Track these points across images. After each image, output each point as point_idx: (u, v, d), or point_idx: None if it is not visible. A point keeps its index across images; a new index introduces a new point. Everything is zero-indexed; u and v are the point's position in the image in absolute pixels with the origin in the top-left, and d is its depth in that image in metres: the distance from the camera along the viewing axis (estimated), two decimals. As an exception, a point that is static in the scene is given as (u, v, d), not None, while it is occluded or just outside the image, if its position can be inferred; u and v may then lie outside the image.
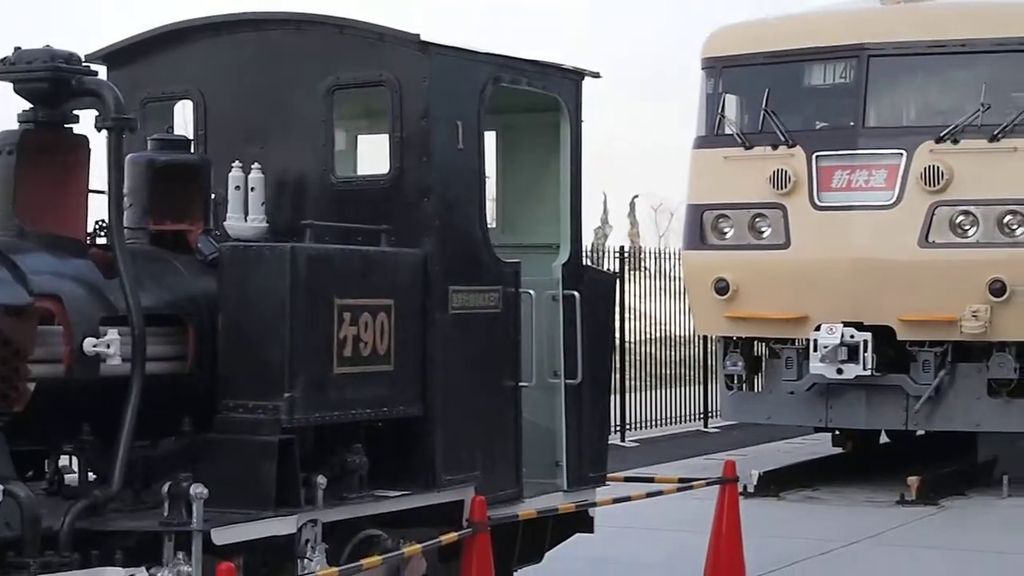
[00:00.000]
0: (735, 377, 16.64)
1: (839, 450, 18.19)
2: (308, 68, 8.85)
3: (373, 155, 9.74)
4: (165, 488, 7.09)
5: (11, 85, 7.46)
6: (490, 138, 9.96)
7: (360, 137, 10.21)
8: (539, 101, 9.87)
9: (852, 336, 15.42)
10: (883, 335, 15.57)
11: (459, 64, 8.93)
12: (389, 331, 8.28)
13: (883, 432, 18.28)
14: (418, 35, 8.68)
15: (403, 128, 8.66)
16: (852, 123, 16.01)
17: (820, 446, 18.79)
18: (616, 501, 10.24)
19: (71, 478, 7.72)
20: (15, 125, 7.54)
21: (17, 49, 7.45)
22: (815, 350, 15.49)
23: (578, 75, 10.00)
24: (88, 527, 6.87)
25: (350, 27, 8.85)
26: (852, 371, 15.45)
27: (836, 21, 16.66)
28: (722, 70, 16.51)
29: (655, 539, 12.82)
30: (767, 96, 16.09)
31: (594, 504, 9.97)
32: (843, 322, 15.46)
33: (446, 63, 8.79)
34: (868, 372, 15.47)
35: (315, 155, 8.85)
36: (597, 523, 10.24)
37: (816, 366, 15.56)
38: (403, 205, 8.66)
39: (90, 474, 7.37)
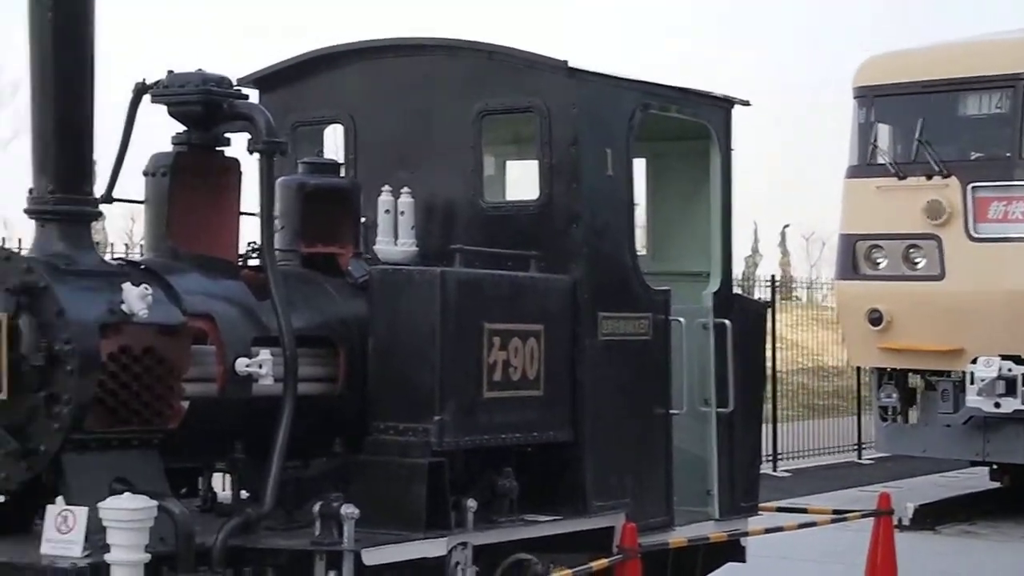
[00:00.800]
0: (889, 409, 16.42)
1: (996, 484, 17.85)
2: (458, 94, 8.91)
3: (522, 181, 9.76)
4: (316, 508, 7.11)
5: (165, 108, 7.57)
6: (639, 165, 9.96)
7: (508, 163, 10.25)
8: (688, 129, 9.88)
9: (1010, 369, 15.18)
10: (1041, 369, 15.30)
11: (607, 91, 8.94)
12: (539, 356, 8.29)
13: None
14: (566, 62, 8.70)
15: (552, 154, 8.69)
16: (1008, 154, 15.76)
17: (977, 480, 18.46)
18: (768, 531, 10.18)
19: (224, 496, 7.82)
20: (168, 148, 7.65)
21: (170, 72, 7.56)
22: (972, 383, 15.26)
23: (728, 103, 9.99)
24: (241, 544, 6.91)
25: (499, 53, 8.90)
26: (1010, 405, 15.20)
27: (991, 50, 16.42)
28: (874, 99, 16.34)
29: (808, 571, 12.68)
30: (921, 126, 15.88)
31: (746, 534, 9.90)
32: (1000, 355, 15.22)
33: (595, 90, 8.81)
34: (1026, 406, 15.19)
35: (464, 180, 8.88)
36: (749, 553, 10.18)
37: (973, 399, 15.32)
38: (552, 231, 8.67)
39: (243, 492, 7.45)
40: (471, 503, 7.80)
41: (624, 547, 8.47)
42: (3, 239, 10.85)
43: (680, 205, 10.44)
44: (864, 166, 16.31)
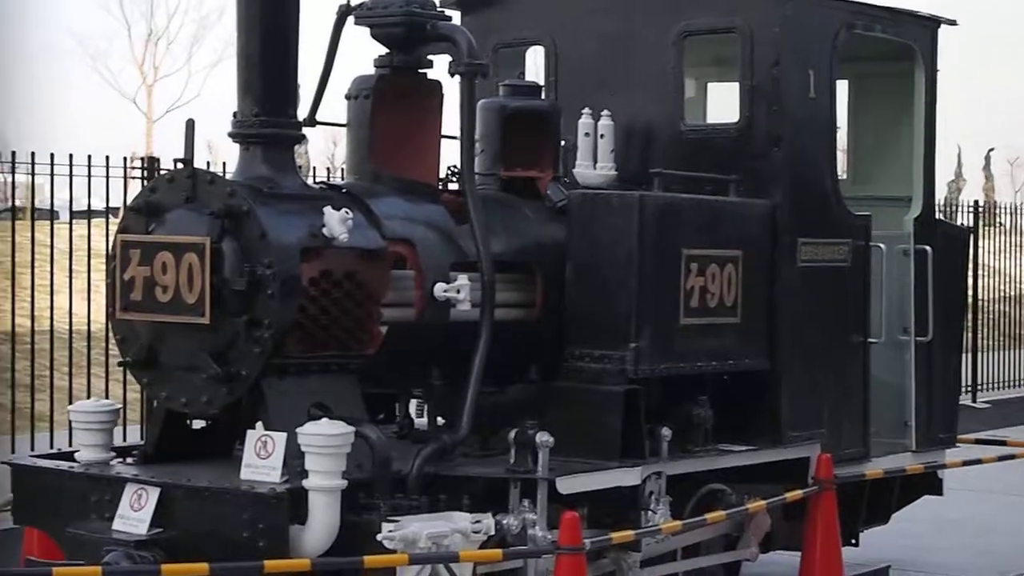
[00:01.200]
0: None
1: None
2: (659, 15, 8.81)
3: (723, 103, 9.64)
4: (512, 435, 7.10)
5: (368, 30, 7.55)
6: (842, 87, 9.77)
7: (710, 85, 10.14)
8: (893, 49, 9.71)
9: None
10: None
11: (811, 11, 8.80)
12: (736, 283, 8.22)
13: None
14: (772, -21, 8.55)
15: (754, 76, 8.58)
16: None
17: None
18: (966, 464, 10.09)
19: (420, 422, 7.86)
20: (371, 70, 7.64)
21: (374, -7, 7.55)
22: None
23: (934, 22, 9.81)
24: (436, 472, 6.93)
25: (703, -27, 8.77)
26: None
27: None
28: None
29: (1006, 505, 12.50)
30: None
31: (943, 466, 9.81)
32: None
33: (798, 9, 8.67)
34: None
35: (664, 103, 8.80)
36: (946, 486, 10.07)
37: None
38: (752, 155, 8.58)
39: (438, 419, 7.49)
40: (666, 432, 7.75)
41: (819, 478, 8.44)
42: (208, 162, 10.94)
43: (882, 128, 10.31)
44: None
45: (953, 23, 9.91)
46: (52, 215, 15.98)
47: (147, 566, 6.25)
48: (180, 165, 6.96)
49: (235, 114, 7.01)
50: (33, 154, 11.64)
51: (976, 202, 21.44)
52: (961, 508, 11.61)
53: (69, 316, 12.16)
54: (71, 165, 11.68)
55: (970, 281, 14.28)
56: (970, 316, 18.78)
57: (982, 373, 20.73)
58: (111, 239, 7.10)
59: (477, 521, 6.69)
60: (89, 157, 11.79)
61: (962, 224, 18.53)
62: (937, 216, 10.55)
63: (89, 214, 12.85)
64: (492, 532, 6.78)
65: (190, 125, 6.94)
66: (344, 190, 7.39)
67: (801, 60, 8.64)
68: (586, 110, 8.52)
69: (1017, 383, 21.88)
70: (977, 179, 62.19)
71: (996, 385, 21.33)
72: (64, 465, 7.07)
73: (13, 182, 12.06)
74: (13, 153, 11.62)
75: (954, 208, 22.17)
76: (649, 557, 7.84)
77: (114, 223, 7.77)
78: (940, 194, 15.86)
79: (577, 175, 8.40)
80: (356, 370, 7.02)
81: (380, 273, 7.04)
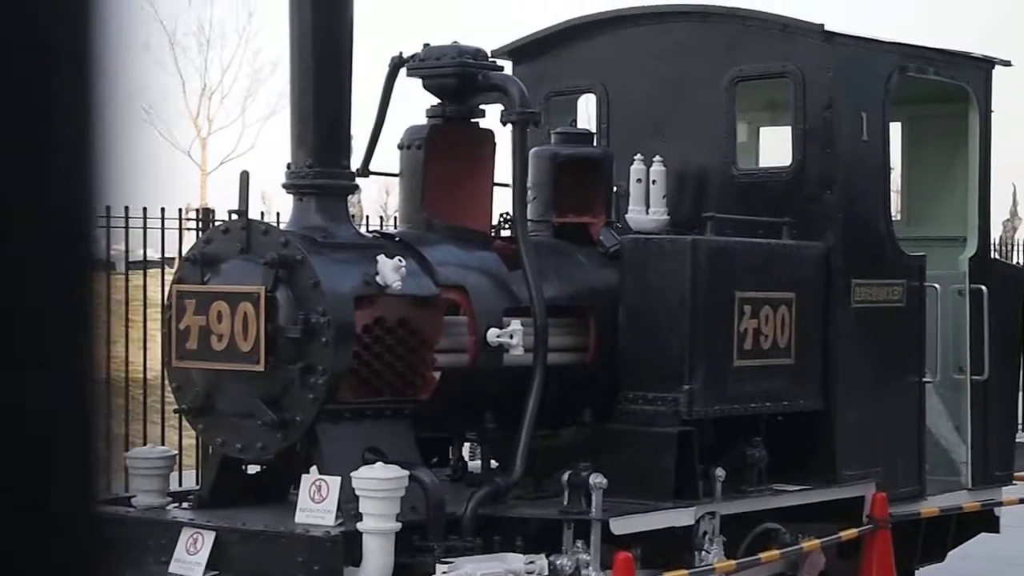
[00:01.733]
0: None
1: None
2: (711, 60, 8.81)
3: (775, 147, 9.63)
4: (565, 477, 7.08)
5: (420, 81, 7.59)
6: (895, 129, 9.76)
7: (762, 129, 10.16)
8: (946, 91, 9.67)
9: None
10: None
11: (863, 54, 8.79)
12: (790, 324, 8.17)
13: None
14: (822, 25, 8.57)
15: (806, 119, 8.56)
16: None
17: None
18: (1023, 501, 9.90)
19: (474, 465, 7.88)
20: (423, 120, 7.67)
21: (426, 46, 7.60)
22: None
23: (988, 63, 9.78)
24: (490, 513, 6.93)
25: (754, 18, 8.83)
26: None
27: None
28: None
29: (1064, 542, 12.25)
30: None
31: (1000, 503, 9.75)
32: None
33: (850, 53, 8.66)
34: None
35: (717, 147, 8.79)
36: (1003, 523, 10.00)
37: None
38: (805, 197, 8.55)
39: (492, 462, 7.49)
40: (720, 472, 7.69)
41: (874, 517, 8.40)
42: (262, 213, 11.01)
43: (936, 169, 10.29)
44: None
45: (1008, 64, 9.85)
46: (108, 266, 16.11)
47: (204, 609, 6.31)
48: (234, 216, 7.02)
49: (289, 165, 7.06)
50: (89, 208, 11.74)
51: (1033, 241, 21.27)
52: (1019, 546, 11.45)
53: (126, 364, 12.25)
54: (127, 217, 11.76)
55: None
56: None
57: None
58: (167, 289, 7.19)
59: (531, 562, 6.69)
60: (145, 209, 11.89)
61: (1018, 263, 18.37)
62: (992, 255, 10.46)
63: (145, 265, 12.95)
64: (546, 572, 6.77)
65: (244, 177, 6.98)
66: (397, 238, 7.42)
67: (853, 103, 8.61)
68: (638, 156, 8.48)
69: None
70: (1034, 219, 61.76)
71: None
72: (121, 510, 7.08)
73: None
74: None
75: (1010, 247, 21.98)
76: (703, 597, 7.82)
77: (169, 273, 7.82)
78: (995, 233, 15.70)
79: (630, 220, 8.36)
80: (410, 415, 7.03)
81: (433, 319, 7.07)
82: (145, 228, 11.78)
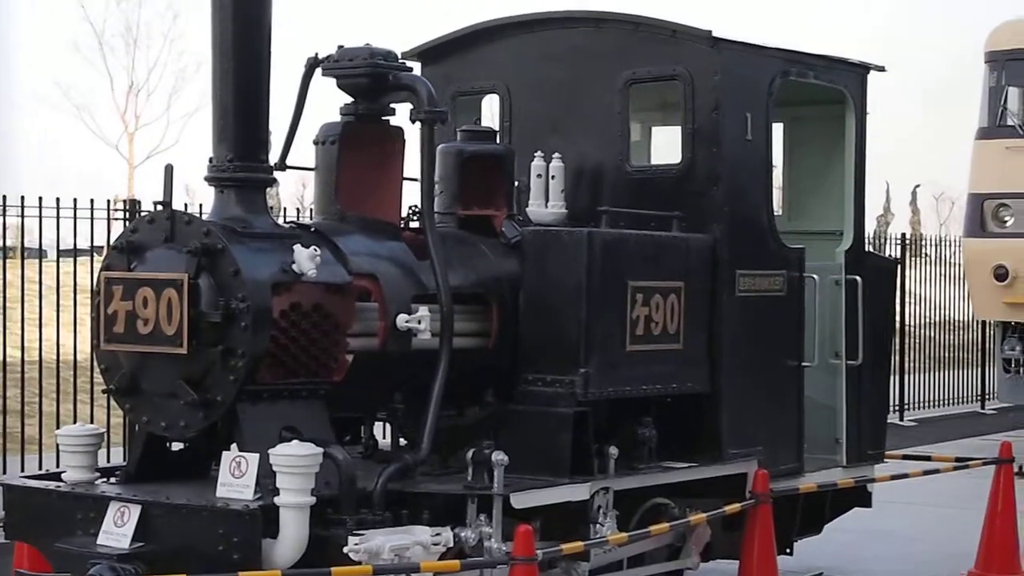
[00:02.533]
0: (1012, 361, 16.07)
1: (1116, 433, 17.51)
2: (605, 63, 8.80)
3: (666, 145, 9.68)
4: (469, 455, 7.15)
5: (335, 81, 7.60)
6: (777, 129, 9.81)
7: (654, 128, 10.16)
8: (825, 94, 9.70)
9: None
10: None
11: (748, 59, 8.82)
12: (679, 311, 8.22)
13: None
14: (710, 31, 8.59)
15: (695, 120, 8.59)
16: None
17: (1097, 430, 18.11)
18: (894, 478, 10.05)
19: (384, 443, 7.86)
20: (337, 118, 7.68)
21: (340, 47, 7.59)
22: (1093, 336, 14.92)
23: (864, 69, 9.82)
24: (399, 488, 6.95)
25: (645, 24, 8.79)
26: None
27: (1120, 14, 15.97)
28: (1005, 63, 15.93)
29: (931, 515, 12.52)
30: (1051, 88, 15.51)
31: (872, 480, 9.80)
32: (1121, 310, 14.87)
33: (736, 58, 8.69)
34: None
35: (611, 145, 8.81)
36: (875, 498, 10.09)
37: (1094, 352, 15.00)
38: (693, 193, 8.58)
39: (401, 440, 7.47)
40: (613, 450, 7.79)
41: (756, 492, 8.44)
42: (185, 204, 11.00)
43: (815, 167, 10.31)
44: (994, 128, 15.93)
45: (882, 69, 9.89)
46: (41, 254, 15.99)
47: (130, 578, 6.29)
48: (160, 207, 7.01)
49: (211, 160, 7.03)
50: (23, 197, 11.72)
51: (903, 235, 21.58)
52: (889, 519, 11.60)
53: (57, 347, 12.17)
54: (58, 208, 11.73)
55: (897, 308, 14.33)
56: (897, 341, 18.81)
57: (909, 393, 20.80)
58: (96, 276, 7.13)
59: (437, 534, 6.76)
60: (75, 200, 11.84)
61: (890, 255, 18.64)
62: (867, 248, 10.52)
63: (75, 253, 12.86)
64: (451, 544, 6.84)
65: (169, 170, 6.98)
66: (312, 229, 7.39)
67: (739, 105, 8.66)
68: (538, 153, 8.54)
69: (942, 403, 21.94)
70: (904, 213, 62.44)
71: (922, 404, 21.38)
72: (52, 485, 7.06)
73: (4, 224, 12.05)
74: (4, 197, 11.67)
75: (883, 241, 22.30)
76: (597, 567, 7.85)
77: (98, 261, 7.79)
78: (869, 228, 15.91)
79: (530, 213, 8.42)
80: (324, 395, 7.02)
81: (346, 305, 7.07)
82: (75, 218, 11.73)
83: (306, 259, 6.81)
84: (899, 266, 15.56)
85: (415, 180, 7.61)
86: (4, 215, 11.75)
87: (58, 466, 7.40)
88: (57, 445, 7.47)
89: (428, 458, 7.21)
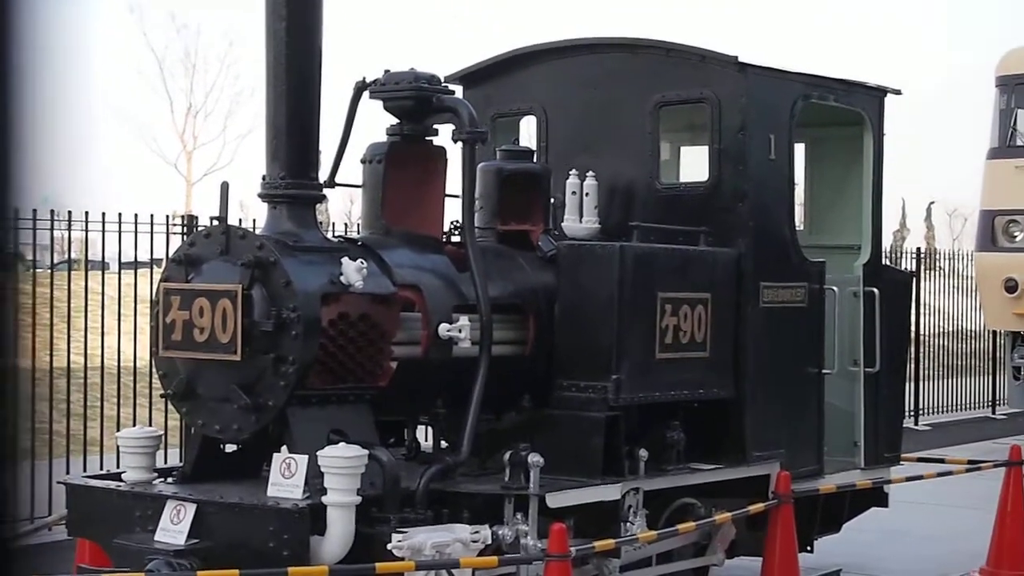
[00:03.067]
0: (1022, 369, 15.96)
1: (1120, 437, 17.32)
2: (637, 87, 8.80)
3: (694, 164, 9.65)
4: (506, 456, 7.12)
5: (381, 103, 7.59)
6: (799, 149, 9.79)
7: (683, 148, 10.13)
8: (845, 115, 9.67)
9: None
10: None
11: (772, 83, 8.79)
12: (706, 321, 8.19)
13: None
14: (736, 57, 8.57)
15: (721, 140, 8.57)
16: None
17: (1103, 434, 17.94)
18: (909, 479, 10.00)
19: (426, 446, 7.85)
20: (383, 138, 7.68)
21: (387, 72, 7.59)
22: (1097, 345, 14.80)
23: (881, 92, 9.79)
24: (440, 488, 6.94)
25: (676, 50, 8.79)
26: None
27: (1124, 41, 15.85)
28: (1015, 87, 15.83)
29: (944, 515, 12.43)
30: (1058, 110, 15.40)
31: (889, 481, 9.75)
32: (1125, 320, 14.74)
33: (761, 82, 8.66)
34: None
35: (642, 164, 8.79)
36: (891, 499, 10.04)
37: (1099, 360, 14.88)
38: (720, 209, 8.56)
39: (442, 443, 7.47)
40: (643, 453, 7.76)
41: (778, 493, 8.39)
42: (240, 219, 11.00)
43: (835, 184, 10.26)
44: (1004, 148, 15.84)
45: (898, 93, 9.86)
46: (103, 266, 16.05)
47: (185, 573, 6.28)
48: (216, 222, 7.02)
49: (264, 177, 7.04)
50: (87, 213, 11.73)
51: (919, 249, 21.40)
52: (904, 519, 11.53)
53: (118, 354, 12.24)
54: (120, 222, 11.76)
55: (913, 318, 14.23)
56: (913, 349, 18.72)
57: (924, 399, 20.65)
58: (155, 287, 7.15)
59: (476, 532, 6.72)
60: (136, 216, 11.87)
61: (906, 268, 18.53)
62: (884, 262, 10.50)
63: (135, 265, 12.90)
64: (489, 541, 6.82)
65: (224, 187, 6.99)
66: (359, 243, 7.40)
67: (763, 126, 8.63)
68: (573, 171, 8.52)
69: (955, 408, 21.77)
70: (919, 229, 62.18)
71: (936, 410, 21.21)
72: (112, 484, 7.09)
73: (69, 238, 12.09)
74: (69, 213, 11.70)
75: (899, 255, 22.14)
76: (627, 563, 7.85)
77: (157, 273, 7.80)
78: (886, 242, 15.83)
79: (565, 228, 8.41)
80: (370, 400, 7.03)
81: (391, 315, 7.07)
82: (136, 232, 11.75)
83: (353, 271, 6.81)
84: (914, 279, 15.47)
85: (456, 197, 7.62)
86: (70, 229, 11.77)
87: (118, 467, 7.39)
88: (117, 447, 7.46)
89: (468, 460, 7.19)
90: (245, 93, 51.65)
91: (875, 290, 9.53)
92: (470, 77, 9.30)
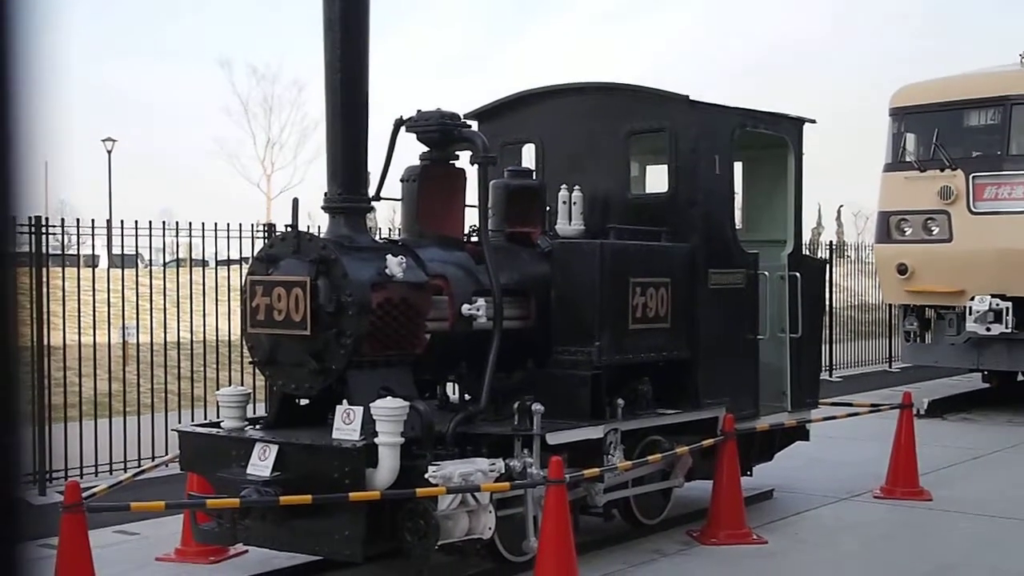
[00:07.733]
0: (911, 333, 15.94)
1: (987, 386, 17.30)
2: (613, 120, 8.79)
3: (657, 179, 9.64)
4: (515, 405, 7.12)
5: (415, 135, 7.58)
6: (738, 167, 9.71)
7: (648, 167, 10.10)
8: (772, 140, 9.63)
9: (997, 304, 14.66)
10: (1021, 303, 14.75)
11: (716, 115, 8.75)
12: (667, 300, 8.18)
13: (1020, 373, 17.29)
14: (688, 96, 8.54)
15: (678, 160, 8.55)
16: (999, 152, 15.14)
17: (973, 382, 17.89)
18: (825, 419, 10.01)
19: (453, 398, 7.87)
20: (417, 162, 7.67)
21: (419, 111, 7.58)
22: (970, 314, 14.76)
23: (800, 121, 9.76)
24: (464, 431, 6.95)
25: (642, 92, 8.76)
26: (997, 329, 14.67)
27: (988, 80, 15.78)
28: (904, 116, 15.79)
29: (852, 446, 12.40)
30: (936, 134, 15.33)
31: (810, 420, 9.76)
32: (991, 294, 14.70)
33: (707, 115, 8.63)
34: (1009, 330, 14.67)
35: (617, 179, 8.78)
36: (812, 434, 10.05)
37: (971, 325, 14.81)
38: (677, 213, 8.53)
39: (466, 396, 7.50)
40: (620, 401, 7.76)
41: (725, 431, 8.40)
42: (308, 227, 11.02)
43: (766, 193, 10.21)
44: (896, 163, 15.77)
45: (813, 122, 9.82)
46: (203, 263, 16.07)
47: (271, 498, 6.31)
48: (289, 229, 7.01)
49: (325, 193, 7.03)
50: (191, 223, 11.76)
51: (831, 242, 21.35)
52: (822, 449, 11.52)
53: (216, 331, 12.27)
54: (216, 230, 11.77)
55: (827, 295, 14.22)
56: (827, 319, 18.77)
57: (836, 357, 20.61)
58: (243, 279, 7.14)
59: (493, 464, 6.74)
60: (228, 224, 11.88)
61: (821, 257, 18.50)
62: (804, 252, 10.48)
63: (228, 263, 12.91)
64: (503, 471, 6.83)
65: (295, 202, 6.95)
66: (400, 243, 7.41)
67: (709, 149, 8.60)
68: (563, 186, 8.53)
69: (860, 363, 21.69)
70: (832, 226, 62.19)
71: (846, 365, 21.16)
72: (214, 431, 7.12)
73: (177, 242, 12.09)
74: (177, 223, 11.72)
75: (816, 247, 22.11)
76: (609, 486, 7.86)
77: (244, 268, 7.80)
78: (806, 237, 15.83)
79: (558, 230, 8.42)
80: (410, 363, 7.03)
81: (425, 298, 7.06)
82: (228, 237, 11.76)
83: (395, 265, 6.81)
84: (827, 265, 15.41)
85: (473, 207, 7.61)
86: (177, 235, 11.78)
87: (218, 417, 7.38)
88: (217, 402, 7.45)
89: (486, 409, 7.19)
90: (310, 128, 51.73)
91: (797, 274, 9.49)
92: (484, 114, 9.28)
